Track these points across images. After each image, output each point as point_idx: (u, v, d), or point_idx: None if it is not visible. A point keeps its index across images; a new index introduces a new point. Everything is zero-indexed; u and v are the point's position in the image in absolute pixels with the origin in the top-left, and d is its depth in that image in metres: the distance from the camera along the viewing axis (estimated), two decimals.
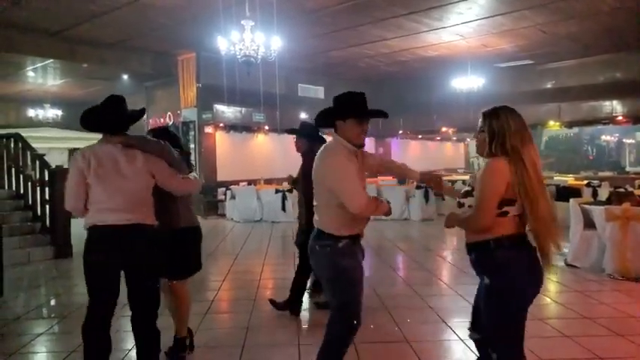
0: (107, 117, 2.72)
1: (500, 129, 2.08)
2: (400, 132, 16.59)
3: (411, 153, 18.43)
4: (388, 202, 2.59)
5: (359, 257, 2.60)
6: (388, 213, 2.58)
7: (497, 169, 2.05)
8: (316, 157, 2.61)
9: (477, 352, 2.41)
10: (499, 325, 2.13)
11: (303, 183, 4.23)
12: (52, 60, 11.08)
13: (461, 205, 2.23)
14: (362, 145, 2.57)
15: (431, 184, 2.74)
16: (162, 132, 3.34)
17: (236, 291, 5.43)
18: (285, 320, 4.22)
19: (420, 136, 18.45)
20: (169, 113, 12.92)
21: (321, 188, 2.55)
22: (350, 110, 2.52)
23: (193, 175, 3.09)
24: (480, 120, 2.18)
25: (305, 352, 3.48)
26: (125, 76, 13.06)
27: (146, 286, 2.77)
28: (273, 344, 3.73)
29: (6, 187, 8.03)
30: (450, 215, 2.27)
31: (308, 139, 4.26)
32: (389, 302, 4.58)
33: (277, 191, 10.97)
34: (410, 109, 15.80)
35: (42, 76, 13.05)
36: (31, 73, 12.58)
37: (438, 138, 19.42)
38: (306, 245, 4.30)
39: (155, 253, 2.78)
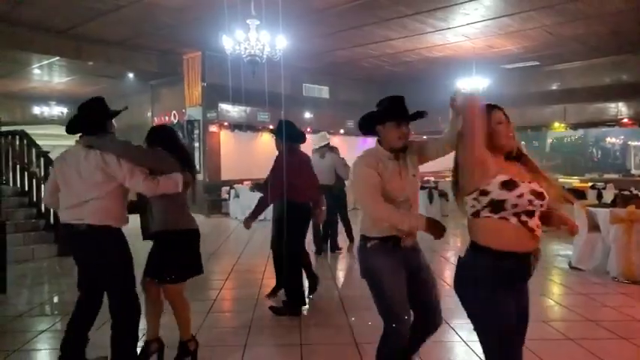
0: (74, 119, 2.93)
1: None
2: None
3: None
4: (430, 219, 2.34)
5: (390, 260, 2.46)
6: (416, 229, 2.36)
7: None
8: None
9: (480, 355, 2.40)
10: None
11: (270, 177, 4.34)
12: (57, 58, 11.12)
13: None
14: (402, 149, 2.51)
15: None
16: (152, 132, 3.25)
17: (239, 290, 5.43)
18: (288, 320, 4.21)
19: (424, 137, 18.40)
20: (174, 112, 12.95)
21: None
22: (387, 114, 2.51)
23: (176, 175, 2.92)
24: (499, 110, 1.98)
25: (307, 352, 3.48)
26: (130, 75, 13.09)
27: (107, 288, 2.87)
28: (276, 344, 3.73)
29: (11, 183, 8.07)
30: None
31: (284, 137, 4.29)
32: None
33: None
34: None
35: (48, 74, 13.09)
36: (36, 71, 12.63)
37: None
38: (280, 245, 4.36)
39: (108, 256, 2.81)
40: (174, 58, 12.29)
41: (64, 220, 2.87)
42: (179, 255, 3.10)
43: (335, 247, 7.25)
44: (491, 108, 1.98)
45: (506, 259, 1.86)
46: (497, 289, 1.87)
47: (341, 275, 6.22)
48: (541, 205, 1.89)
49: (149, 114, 13.79)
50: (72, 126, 2.92)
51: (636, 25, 9.82)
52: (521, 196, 1.82)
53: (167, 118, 13.12)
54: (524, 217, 1.85)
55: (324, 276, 5.86)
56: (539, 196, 1.88)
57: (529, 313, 2.06)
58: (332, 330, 4.00)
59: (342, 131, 14.69)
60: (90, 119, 2.88)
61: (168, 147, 3.09)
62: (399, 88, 16.45)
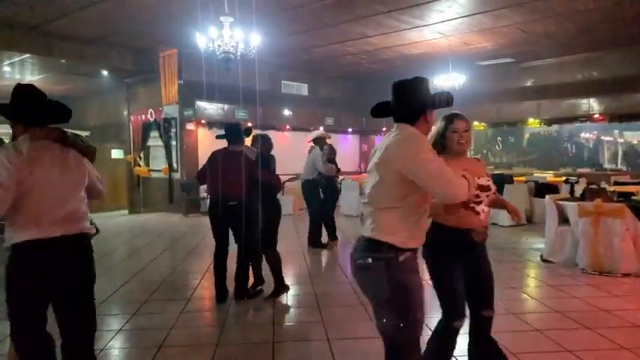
0: None
1: None
2: (384, 129, 16.65)
3: None
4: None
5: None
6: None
7: None
8: None
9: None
10: None
11: None
12: (28, 55, 10.85)
13: None
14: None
15: None
16: None
17: (213, 289, 5.39)
18: (261, 318, 4.23)
19: None
20: (151, 110, 12.77)
21: None
22: None
23: None
24: (459, 120, 2.59)
25: (279, 350, 3.49)
26: (105, 72, 12.85)
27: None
28: (248, 342, 3.73)
29: None
30: None
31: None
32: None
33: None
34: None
35: (19, 72, 12.74)
36: (7, 68, 12.29)
37: None
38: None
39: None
40: (150, 56, 12.11)
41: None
42: None
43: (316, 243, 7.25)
44: (453, 116, 2.55)
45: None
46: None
47: (316, 272, 6.23)
48: (487, 196, 2.49)
49: (125, 112, 13.57)
50: None
51: (605, 24, 10.04)
52: None
53: (144, 116, 12.94)
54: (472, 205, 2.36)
55: (300, 273, 5.87)
56: (485, 189, 2.46)
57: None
58: (305, 327, 4.03)
59: (321, 128, 14.69)
60: None
61: None
62: (378, 84, 16.37)
